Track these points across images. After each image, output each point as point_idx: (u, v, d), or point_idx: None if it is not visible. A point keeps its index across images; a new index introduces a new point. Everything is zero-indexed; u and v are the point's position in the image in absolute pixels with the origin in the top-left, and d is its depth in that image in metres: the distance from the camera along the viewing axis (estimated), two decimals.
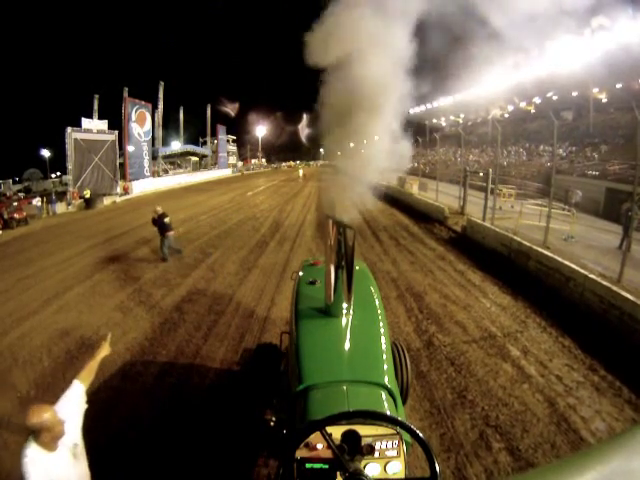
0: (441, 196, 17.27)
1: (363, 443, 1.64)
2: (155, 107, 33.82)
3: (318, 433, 1.52)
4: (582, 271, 6.81)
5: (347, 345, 2.49)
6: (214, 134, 49.08)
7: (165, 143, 40.20)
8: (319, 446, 1.62)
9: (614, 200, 15.16)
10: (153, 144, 33.04)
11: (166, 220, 9.15)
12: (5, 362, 5.15)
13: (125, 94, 28.02)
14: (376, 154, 2.62)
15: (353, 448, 1.61)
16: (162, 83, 35.91)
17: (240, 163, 60.22)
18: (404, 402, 2.80)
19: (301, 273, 3.54)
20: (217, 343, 5.48)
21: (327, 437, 1.48)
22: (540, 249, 8.35)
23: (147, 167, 30.55)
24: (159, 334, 5.82)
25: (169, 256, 9.46)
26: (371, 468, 1.65)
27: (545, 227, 9.67)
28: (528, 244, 8.70)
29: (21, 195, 26.38)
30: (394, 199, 20.80)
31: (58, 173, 37.57)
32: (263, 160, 70.04)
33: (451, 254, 10.07)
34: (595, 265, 8.08)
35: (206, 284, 7.97)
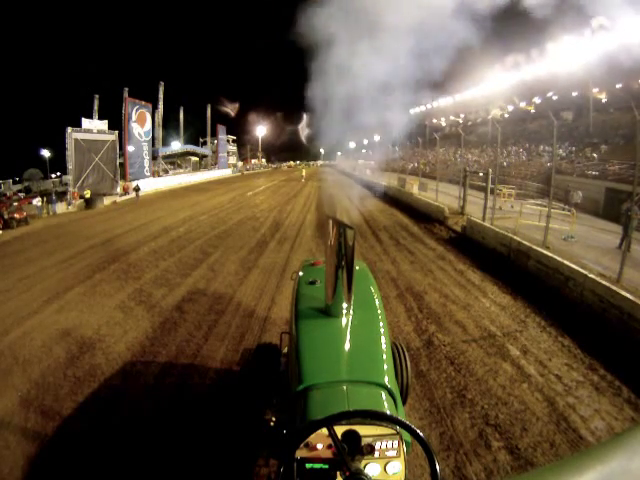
0: (441, 196, 17.27)
1: (363, 443, 1.64)
2: (155, 107, 33.87)
3: (318, 433, 1.52)
4: (582, 271, 6.81)
5: (347, 345, 2.49)
6: (214, 134, 49.10)
7: (165, 143, 40.21)
8: (319, 446, 1.62)
9: (614, 200, 15.17)
10: (153, 144, 33.04)
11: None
12: (6, 361, 5.15)
13: (125, 94, 28.04)
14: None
15: (353, 448, 1.62)
16: (162, 83, 35.98)
17: (240, 163, 60.21)
18: (404, 402, 2.81)
19: (301, 273, 3.54)
20: (217, 343, 5.48)
21: (334, 435, 1.48)
22: (540, 249, 8.35)
23: (147, 167, 30.55)
24: (160, 334, 5.82)
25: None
26: (371, 468, 1.65)
27: (545, 227, 9.67)
28: (528, 244, 8.70)
29: (21, 195, 26.32)
30: (394, 199, 20.81)
31: (58, 173, 37.48)
32: (263, 160, 70.09)
33: (451, 254, 10.08)
34: (595, 265, 8.08)
35: (206, 284, 7.98)
